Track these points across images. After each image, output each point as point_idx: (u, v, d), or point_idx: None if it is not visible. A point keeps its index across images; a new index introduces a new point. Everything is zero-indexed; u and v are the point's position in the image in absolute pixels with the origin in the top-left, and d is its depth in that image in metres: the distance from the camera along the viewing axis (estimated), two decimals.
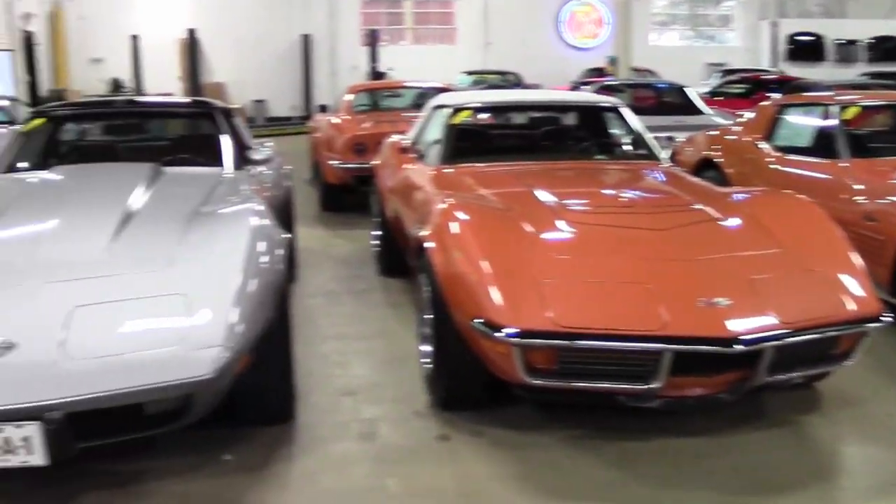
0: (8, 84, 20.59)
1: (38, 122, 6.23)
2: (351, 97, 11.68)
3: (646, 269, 4.00)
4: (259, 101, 25.54)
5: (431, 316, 4.33)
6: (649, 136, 6.33)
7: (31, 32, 22.43)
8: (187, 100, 8.77)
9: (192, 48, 24.73)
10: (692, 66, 26.83)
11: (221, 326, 3.43)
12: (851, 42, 29.38)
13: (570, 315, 3.71)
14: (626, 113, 6.50)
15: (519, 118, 8.14)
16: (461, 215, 4.37)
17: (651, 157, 6.13)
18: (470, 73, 24.40)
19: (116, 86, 24.78)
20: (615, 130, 6.76)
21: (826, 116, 6.74)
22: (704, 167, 8.02)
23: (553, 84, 20.13)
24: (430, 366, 4.43)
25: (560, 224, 4.41)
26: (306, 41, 26.35)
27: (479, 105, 6.90)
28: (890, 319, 3.98)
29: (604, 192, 5.41)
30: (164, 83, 23.02)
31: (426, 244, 4.43)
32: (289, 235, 4.47)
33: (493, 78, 23.67)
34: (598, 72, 23.30)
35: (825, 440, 4.16)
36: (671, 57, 27.61)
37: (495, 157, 6.08)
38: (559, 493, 3.64)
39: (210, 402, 3.51)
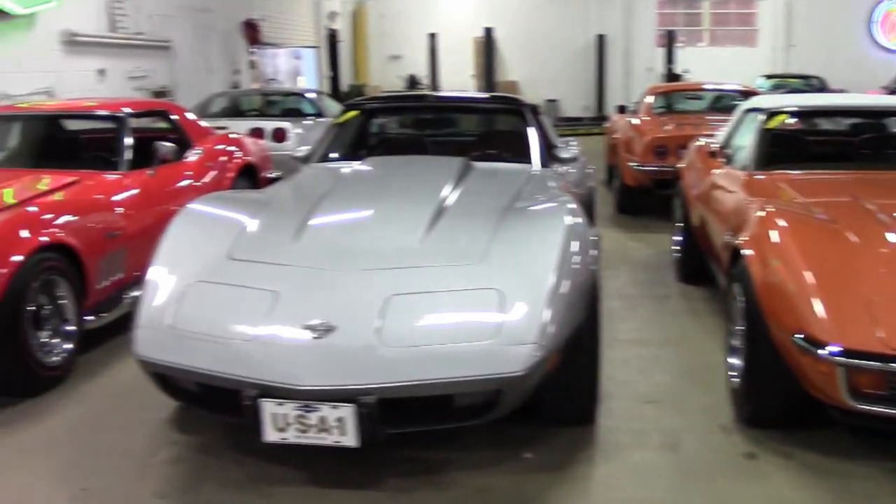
0: (313, 79, 22.18)
1: (351, 114, 6.70)
2: (651, 99, 11.62)
3: None
4: (551, 101, 25.89)
5: (744, 328, 4.25)
6: None
7: (335, 30, 24.05)
8: (496, 95, 9.08)
9: (488, 47, 25.47)
10: None
11: (535, 324, 3.56)
12: None
13: None
14: None
15: (836, 124, 7.78)
16: (782, 223, 4.27)
17: None
18: (769, 76, 23.42)
19: (413, 82, 26.00)
20: None
21: None
22: None
23: (860, 88, 18.91)
24: (738, 379, 4.35)
25: (891, 237, 4.21)
26: (601, 41, 26.41)
27: (796, 109, 6.67)
28: None
29: None
30: (457, 80, 23.91)
31: (743, 252, 4.36)
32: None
33: (795, 82, 22.53)
34: None
35: None
36: None
37: (812, 164, 5.88)
38: None
39: (517, 398, 3.64)
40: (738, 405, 4.38)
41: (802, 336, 3.66)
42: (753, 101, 6.89)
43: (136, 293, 5.55)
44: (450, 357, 3.46)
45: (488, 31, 25.43)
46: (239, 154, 7.81)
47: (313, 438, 3.46)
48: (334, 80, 23.46)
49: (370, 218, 4.47)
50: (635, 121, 10.74)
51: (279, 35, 18.72)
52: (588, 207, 6.89)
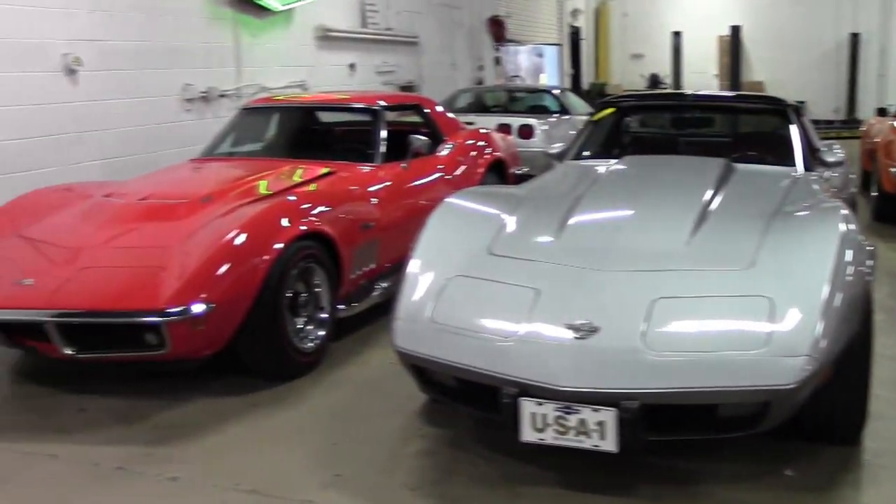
0: (554, 76, 22.17)
1: (607, 111, 6.60)
2: None
3: None
4: (800, 103, 24.64)
5: None
6: None
7: (577, 28, 23.95)
8: (757, 95, 8.75)
9: (734, 46, 24.62)
10: None
11: (807, 335, 3.35)
12: None
13: None
14: None
15: None
16: None
17: None
18: None
19: (654, 81, 25.53)
20: None
21: None
22: None
23: None
24: None
25: None
26: (854, 40, 24.93)
27: None
28: None
29: None
30: (700, 80, 23.25)
31: None
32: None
33: None
34: None
35: None
36: None
37: None
38: None
39: (785, 412, 3.45)
40: None
41: None
42: None
43: (385, 284, 5.75)
44: (717, 365, 3.33)
45: (735, 29, 24.56)
46: (489, 150, 7.86)
47: (571, 441, 3.40)
48: (575, 78, 23.37)
49: (631, 218, 4.38)
50: None
51: (522, 32, 18.83)
52: None
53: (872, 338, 3.95)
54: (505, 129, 10.44)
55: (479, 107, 12.80)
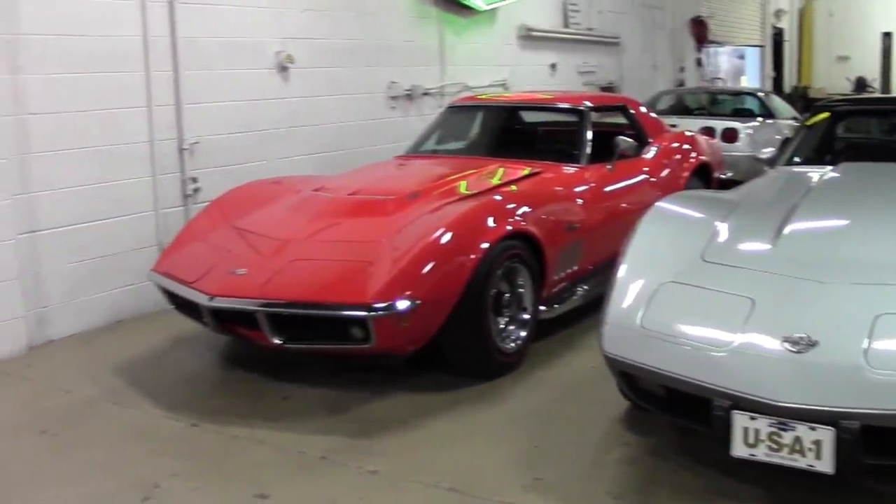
0: (755, 78, 21.36)
1: (821, 116, 6.21)
2: None
3: None
4: None
5: None
6: None
7: (780, 29, 22.97)
8: None
9: None
10: None
11: None
12: None
13: None
14: None
15: None
16: None
17: None
18: None
19: (861, 84, 24.18)
20: None
21: None
22: None
23: None
24: None
25: None
26: None
27: None
28: None
29: None
30: None
31: None
32: None
33: None
34: None
35: None
36: None
37: None
38: None
39: None
40: None
41: None
42: None
43: (587, 287, 5.58)
44: None
45: None
46: (694, 153, 7.55)
47: (785, 459, 3.18)
48: (777, 80, 22.43)
49: (851, 228, 4.09)
50: None
51: (725, 33, 18.17)
52: None
53: None
54: (709, 132, 10.06)
55: (681, 109, 12.41)
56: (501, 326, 4.98)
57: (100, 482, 3.86)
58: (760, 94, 12.71)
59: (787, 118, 11.93)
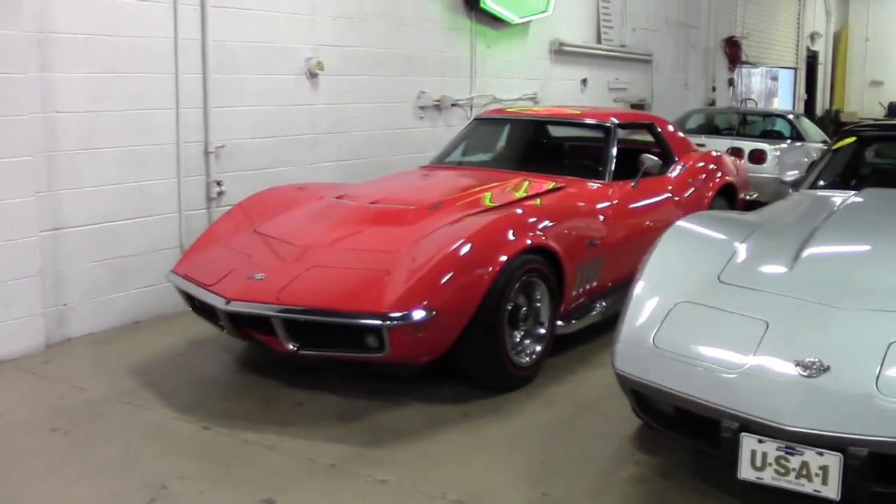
0: (787, 101, 21.20)
1: (847, 140, 6.14)
2: None
3: None
4: None
5: None
6: None
7: (815, 52, 22.79)
8: None
9: None
10: None
11: None
12: None
13: None
14: None
15: None
16: None
17: None
18: None
19: (893, 110, 23.94)
20: None
21: None
22: None
23: None
24: None
25: None
26: None
27: None
28: None
29: None
30: None
31: None
32: None
33: None
34: None
35: None
36: None
37: None
38: None
39: None
40: None
41: None
42: None
43: (605, 303, 5.53)
44: None
45: None
46: (719, 173, 7.47)
47: (791, 484, 3.14)
48: (809, 103, 22.24)
49: (870, 254, 4.04)
50: None
51: (758, 54, 18.05)
52: None
53: None
54: (737, 152, 10.00)
55: (710, 128, 12.33)
56: (517, 340, 4.95)
57: (108, 482, 3.86)
58: (791, 116, 12.59)
59: (816, 142, 11.82)
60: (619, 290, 5.77)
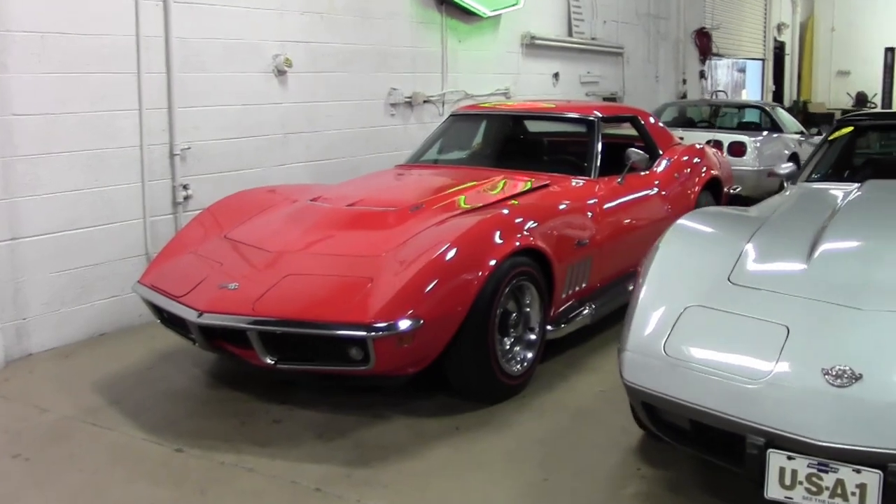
0: (756, 92, 21.15)
1: (845, 130, 5.95)
2: None
3: None
4: None
5: None
6: None
7: (782, 42, 22.76)
8: None
9: None
10: None
11: None
12: None
13: None
14: None
15: None
16: None
17: None
18: None
19: (861, 100, 24.00)
20: None
21: None
22: None
23: None
24: None
25: None
26: None
27: None
28: None
29: None
30: None
31: None
32: None
33: None
34: None
35: None
36: None
37: None
38: None
39: None
40: None
41: None
42: None
43: (594, 305, 5.31)
44: None
45: None
46: (704, 167, 7.26)
47: (825, 503, 2.91)
48: (777, 95, 22.21)
49: (885, 251, 3.78)
50: None
51: (727, 46, 17.94)
52: None
53: None
54: (716, 145, 9.81)
55: (685, 121, 12.17)
56: (507, 347, 4.70)
57: None
58: (768, 107, 12.42)
59: (793, 133, 11.69)
60: (608, 291, 5.59)
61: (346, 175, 7.16)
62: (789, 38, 23.60)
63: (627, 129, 7.21)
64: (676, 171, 6.80)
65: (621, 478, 3.85)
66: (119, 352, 5.59)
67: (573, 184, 5.76)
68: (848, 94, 24.26)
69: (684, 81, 15.67)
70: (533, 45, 10.99)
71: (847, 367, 2.99)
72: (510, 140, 7.03)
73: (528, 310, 4.81)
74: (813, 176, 5.55)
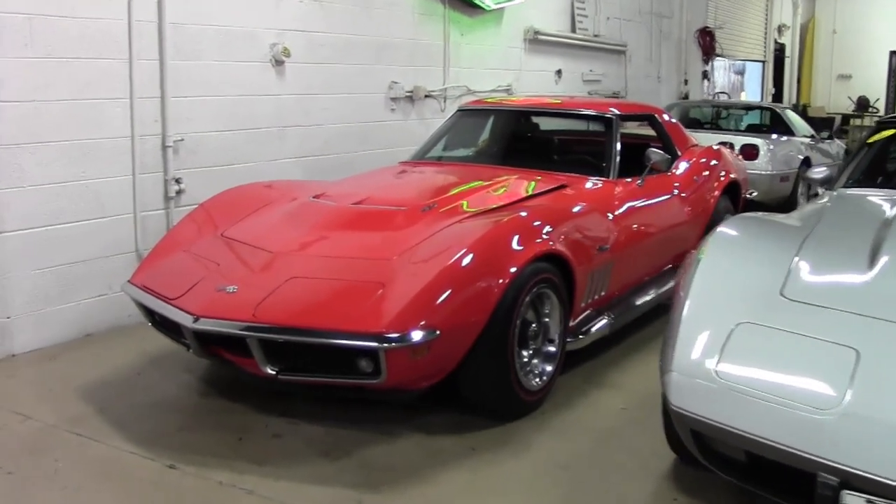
0: (755, 94, 20.93)
1: (885, 133, 5.64)
2: None
3: None
4: None
5: None
6: None
7: (782, 44, 22.54)
8: None
9: None
10: None
11: None
12: None
13: None
14: None
15: None
16: None
17: None
18: None
19: (863, 104, 23.81)
20: None
21: None
22: None
23: None
24: None
25: None
26: None
27: None
28: None
29: None
30: None
31: None
32: None
33: None
34: None
35: None
36: None
37: None
38: None
39: None
40: None
41: None
42: None
43: (613, 314, 5.04)
44: None
45: None
46: (724, 170, 6.97)
47: None
48: (776, 97, 21.99)
49: None
50: None
51: (728, 46, 17.69)
52: None
53: None
54: (729, 148, 9.51)
55: (689, 122, 11.89)
56: (525, 360, 4.41)
57: None
58: (778, 109, 12.13)
59: (804, 135, 11.41)
60: (625, 300, 5.32)
61: (345, 171, 6.88)
62: (789, 40, 23.38)
63: (633, 129, 6.95)
64: (696, 173, 6.51)
65: None
66: (106, 354, 5.29)
67: (591, 185, 5.48)
68: (849, 97, 24.05)
69: (686, 82, 15.41)
70: (536, 41, 10.72)
71: None
72: (521, 138, 6.74)
73: (547, 319, 4.53)
74: (850, 181, 5.24)
